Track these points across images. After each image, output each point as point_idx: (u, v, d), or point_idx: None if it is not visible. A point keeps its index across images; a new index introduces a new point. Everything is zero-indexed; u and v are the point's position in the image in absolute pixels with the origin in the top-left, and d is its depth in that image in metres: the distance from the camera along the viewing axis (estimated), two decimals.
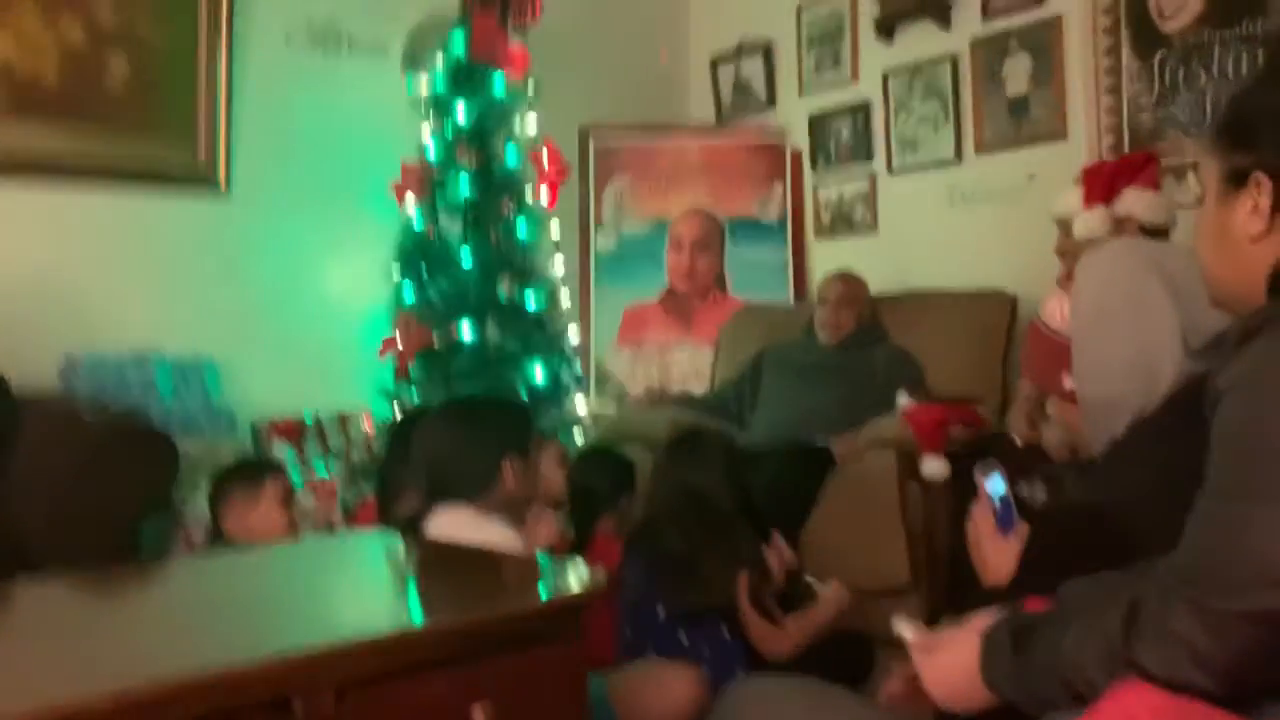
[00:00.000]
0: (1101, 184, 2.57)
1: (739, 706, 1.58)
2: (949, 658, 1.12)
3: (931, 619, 1.66)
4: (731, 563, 2.32)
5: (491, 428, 2.01)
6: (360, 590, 1.54)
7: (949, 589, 2.67)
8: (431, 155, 3.57)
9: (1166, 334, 1.32)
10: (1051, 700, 1.00)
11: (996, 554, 1.46)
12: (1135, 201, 2.55)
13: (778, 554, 2.46)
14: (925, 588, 2.70)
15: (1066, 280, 1.48)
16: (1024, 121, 3.64)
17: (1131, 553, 1.13)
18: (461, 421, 2.02)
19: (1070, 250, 2.57)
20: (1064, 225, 2.67)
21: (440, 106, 3.60)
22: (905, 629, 1.19)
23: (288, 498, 2.63)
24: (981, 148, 3.76)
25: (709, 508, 2.36)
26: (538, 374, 3.46)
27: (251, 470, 2.60)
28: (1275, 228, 1.01)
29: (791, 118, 4.35)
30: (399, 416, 3.28)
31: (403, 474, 2.32)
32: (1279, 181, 1.01)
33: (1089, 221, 2.55)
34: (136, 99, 3.32)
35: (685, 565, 2.28)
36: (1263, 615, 0.87)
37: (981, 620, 1.12)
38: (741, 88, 4.54)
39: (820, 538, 2.78)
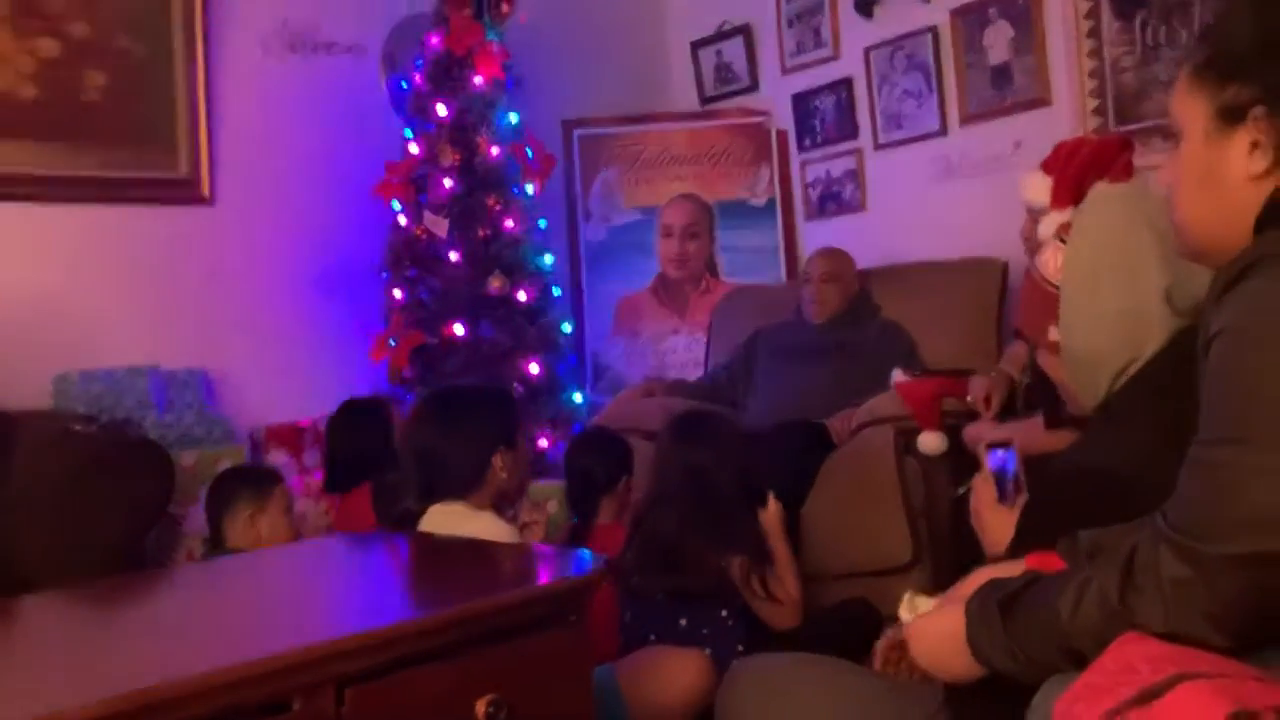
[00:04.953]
0: (1069, 183, 2.41)
1: (744, 686, 1.56)
2: (935, 632, 1.11)
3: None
4: (723, 547, 2.32)
5: (478, 422, 2.00)
6: (358, 588, 1.53)
7: (953, 565, 2.66)
8: (414, 154, 3.56)
9: (1155, 292, 1.31)
10: (1049, 664, 0.98)
11: (997, 524, 1.46)
12: None
13: None
14: (928, 565, 2.69)
15: (1064, 230, 1.47)
16: (1007, 90, 3.63)
17: (1133, 514, 1.12)
18: (447, 419, 2.00)
19: (1036, 240, 2.44)
20: (1033, 213, 2.59)
21: (420, 105, 3.58)
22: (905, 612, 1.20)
23: (290, 506, 2.63)
24: (966, 118, 3.75)
25: (709, 489, 2.35)
26: (533, 369, 3.45)
27: (257, 479, 2.58)
28: (1278, 163, 0.96)
29: (775, 98, 4.34)
30: (344, 403, 3.05)
31: (386, 469, 2.30)
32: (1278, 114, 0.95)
33: (1055, 224, 2.43)
34: (116, 112, 3.31)
35: (673, 548, 2.29)
36: (1251, 558, 0.86)
37: (964, 589, 1.11)
38: (723, 70, 4.52)
39: (819, 518, 2.76)
